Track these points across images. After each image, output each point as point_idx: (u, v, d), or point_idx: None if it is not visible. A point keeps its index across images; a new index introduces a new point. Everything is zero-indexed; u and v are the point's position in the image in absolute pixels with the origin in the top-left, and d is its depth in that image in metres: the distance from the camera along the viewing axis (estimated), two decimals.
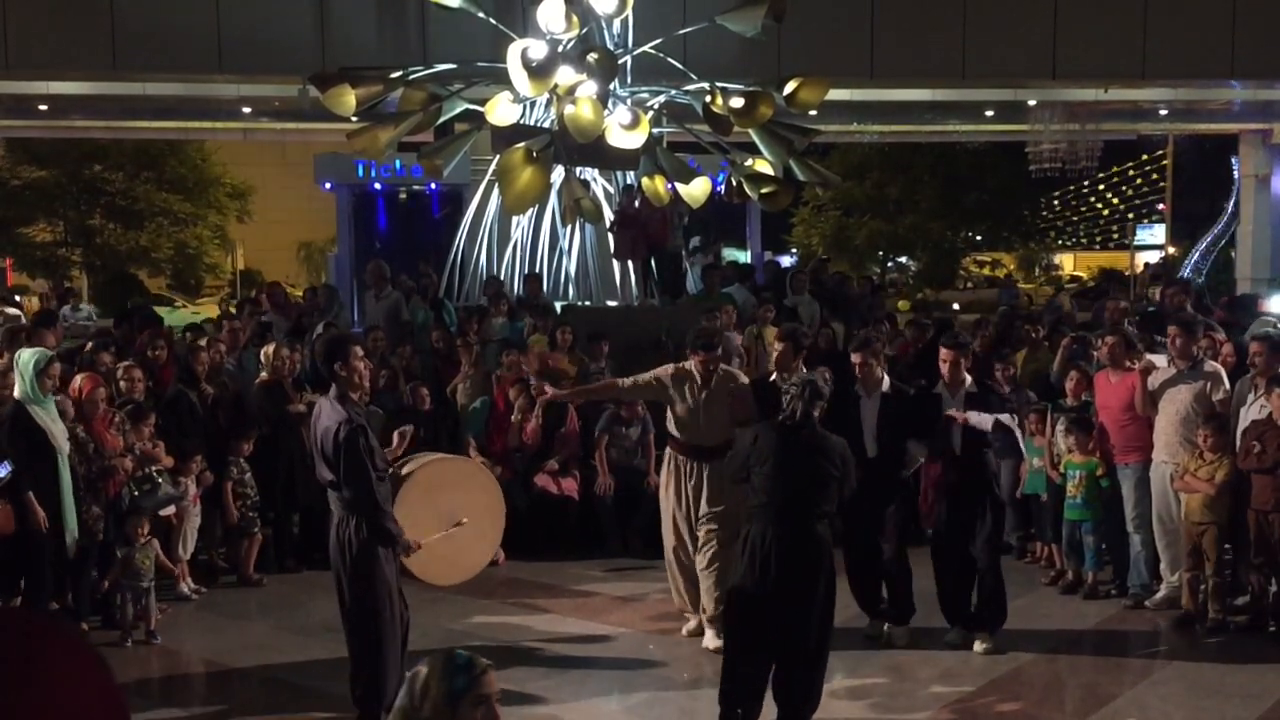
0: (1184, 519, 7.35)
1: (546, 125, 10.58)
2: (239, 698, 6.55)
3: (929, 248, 40.54)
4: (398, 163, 20.52)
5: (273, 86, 16.86)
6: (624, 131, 9.28)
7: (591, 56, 9.36)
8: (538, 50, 9.03)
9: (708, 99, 9.78)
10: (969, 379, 6.96)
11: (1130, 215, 54.90)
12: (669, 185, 10.33)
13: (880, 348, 7.26)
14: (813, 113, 11.96)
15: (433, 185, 21.34)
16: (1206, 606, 7.28)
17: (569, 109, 9.05)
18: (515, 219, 12.88)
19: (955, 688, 6.32)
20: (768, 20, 9.82)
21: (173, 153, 34.12)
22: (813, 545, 5.38)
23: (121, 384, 7.94)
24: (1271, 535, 6.97)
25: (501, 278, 13.22)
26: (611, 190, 12.99)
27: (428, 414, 8.99)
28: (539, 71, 8.94)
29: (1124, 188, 56.14)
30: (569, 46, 9.62)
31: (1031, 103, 21.22)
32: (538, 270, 13.05)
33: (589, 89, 9.16)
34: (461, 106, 10.36)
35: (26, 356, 7.01)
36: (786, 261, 36.25)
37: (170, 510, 7.72)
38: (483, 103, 9.73)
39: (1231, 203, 30.64)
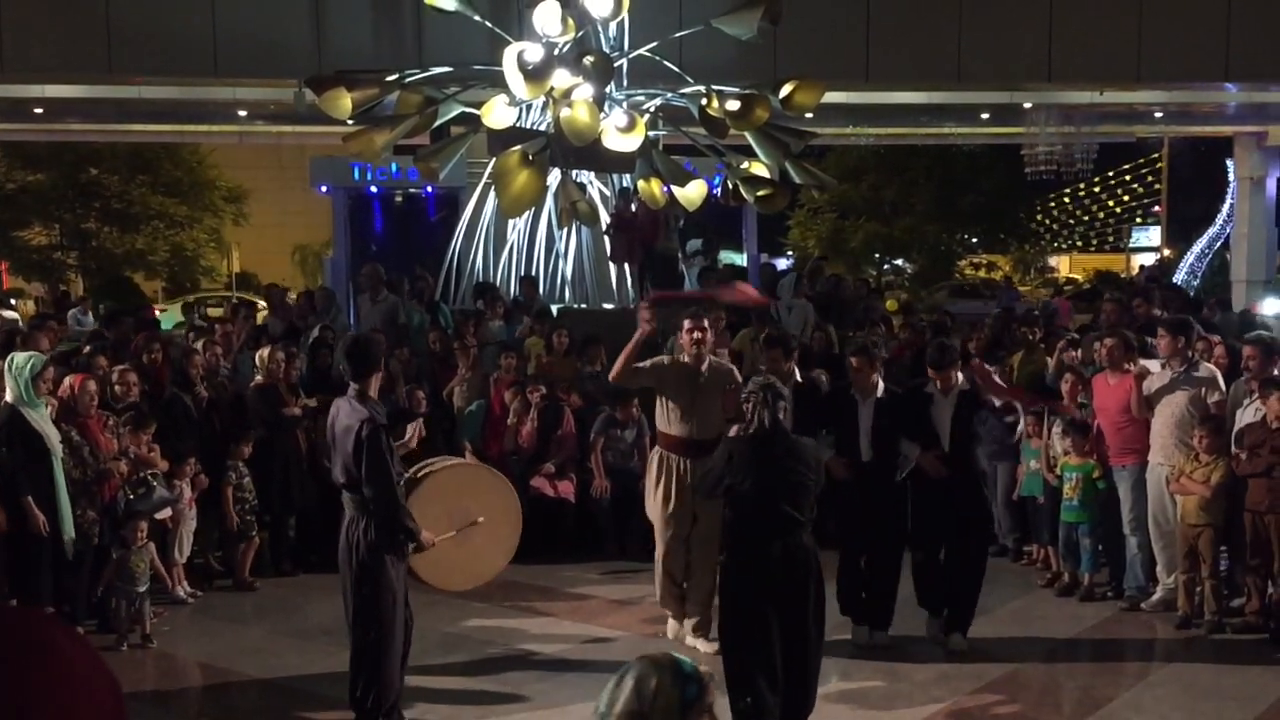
0: (1180, 521, 7.36)
1: (542, 128, 10.58)
2: (235, 702, 6.54)
3: (925, 250, 40.56)
4: (394, 166, 20.52)
5: (269, 90, 16.83)
6: (620, 134, 9.28)
7: (587, 59, 9.36)
8: (534, 53, 9.03)
9: (703, 102, 9.79)
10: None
11: (1126, 217, 55.01)
12: (664, 188, 10.33)
13: (879, 354, 7.26)
14: (808, 115, 11.93)
15: (429, 188, 21.34)
16: (1202, 608, 7.29)
17: (565, 112, 9.05)
18: (511, 222, 12.87)
19: (951, 690, 6.32)
20: (763, 23, 9.84)
21: (168, 156, 34.05)
22: (802, 554, 5.34)
23: (117, 388, 7.93)
24: (1267, 537, 6.98)
25: (497, 281, 13.21)
26: (607, 193, 12.98)
27: (424, 417, 8.98)
28: (535, 74, 8.94)
29: (1119, 190, 56.19)
30: (565, 49, 9.62)
31: (1027, 105, 21.23)
32: (534, 273, 13.05)
33: (585, 92, 9.16)
34: (457, 109, 10.35)
35: (20, 360, 6.99)
36: (783, 264, 36.27)
37: (166, 514, 7.71)
38: (479, 106, 9.73)
39: (1226, 205, 30.67)
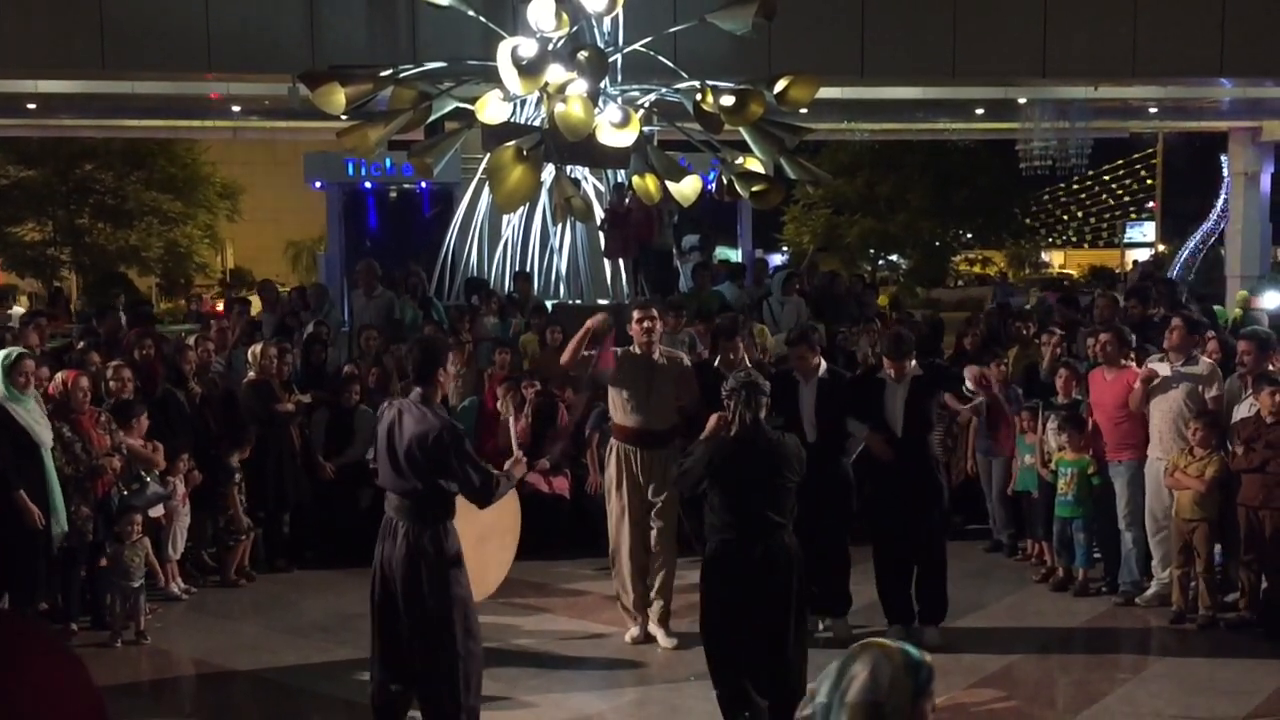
0: (1174, 516, 7.37)
1: (537, 123, 10.57)
2: (229, 698, 6.53)
3: (920, 246, 40.60)
4: (388, 161, 20.44)
5: (263, 85, 16.78)
6: (614, 130, 9.28)
7: (582, 54, 9.36)
8: (528, 48, 9.02)
9: (698, 97, 9.77)
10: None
11: (1120, 213, 55.12)
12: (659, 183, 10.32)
13: (817, 339, 7.29)
14: (803, 111, 11.92)
15: (423, 184, 21.25)
16: (1197, 603, 7.30)
17: (559, 107, 9.04)
18: (506, 217, 12.86)
19: (945, 685, 6.30)
20: (758, 18, 9.82)
21: (162, 152, 33.96)
22: (784, 554, 5.31)
23: (111, 384, 7.90)
24: (1262, 532, 6.99)
25: (490, 277, 13.19)
26: (602, 189, 12.97)
27: None
28: (529, 70, 8.93)
29: (1114, 186, 56.27)
30: (559, 44, 9.60)
31: (1022, 101, 21.23)
32: (528, 269, 13.03)
33: (579, 87, 9.15)
34: (452, 105, 10.34)
35: None
36: (777, 259, 36.29)
37: (159, 511, 7.69)
38: (473, 101, 9.71)
39: (1220, 201, 30.70)
